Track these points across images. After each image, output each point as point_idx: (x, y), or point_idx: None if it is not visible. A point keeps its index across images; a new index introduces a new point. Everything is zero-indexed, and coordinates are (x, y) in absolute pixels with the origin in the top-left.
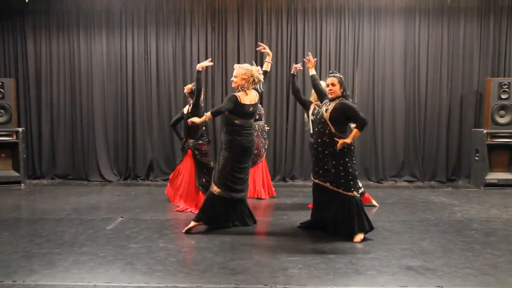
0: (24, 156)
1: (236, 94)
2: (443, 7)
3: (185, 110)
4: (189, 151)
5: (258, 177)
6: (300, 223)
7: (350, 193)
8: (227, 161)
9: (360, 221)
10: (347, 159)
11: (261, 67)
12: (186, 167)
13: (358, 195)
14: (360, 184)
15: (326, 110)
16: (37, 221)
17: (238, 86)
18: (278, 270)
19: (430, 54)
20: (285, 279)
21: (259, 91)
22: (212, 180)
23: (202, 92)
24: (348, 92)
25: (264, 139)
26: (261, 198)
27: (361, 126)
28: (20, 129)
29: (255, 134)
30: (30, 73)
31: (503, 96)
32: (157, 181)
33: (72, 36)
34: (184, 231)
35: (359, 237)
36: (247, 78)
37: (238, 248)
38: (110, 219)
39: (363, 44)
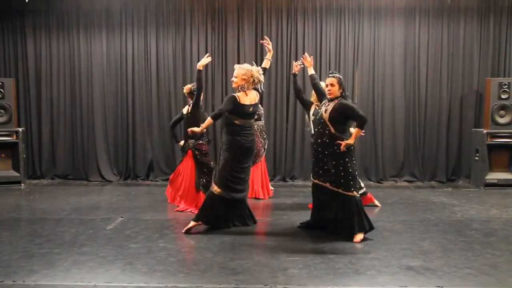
0: (24, 156)
1: (235, 94)
2: (443, 7)
3: (185, 110)
4: (189, 151)
5: (257, 177)
6: (300, 223)
7: (350, 193)
8: (227, 161)
9: (360, 221)
10: (347, 159)
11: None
12: (186, 167)
13: (358, 195)
14: (362, 184)
15: (325, 110)
16: (37, 221)
17: (238, 86)
18: (278, 270)
19: (430, 54)
20: (285, 279)
21: (260, 91)
22: (212, 180)
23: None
24: (347, 93)
25: (264, 139)
26: (259, 198)
27: (361, 124)
28: (20, 129)
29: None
30: (30, 73)
31: (503, 96)
32: (157, 181)
33: (72, 36)
34: (183, 231)
35: (359, 237)
36: (247, 79)
37: (238, 248)
38: (110, 219)
39: (363, 44)
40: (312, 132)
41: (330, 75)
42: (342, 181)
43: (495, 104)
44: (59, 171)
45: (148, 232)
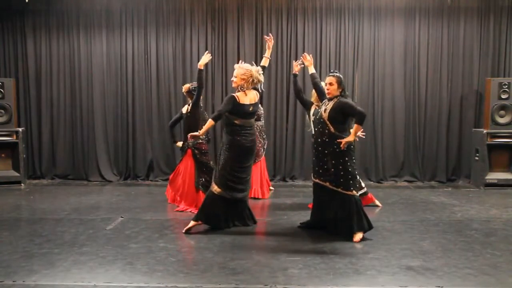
0: (24, 156)
1: (235, 94)
2: (443, 7)
3: (184, 110)
4: (189, 151)
5: (256, 177)
6: (300, 223)
7: (349, 192)
8: (227, 161)
9: (359, 220)
10: (346, 158)
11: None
12: (186, 167)
13: (358, 195)
14: (363, 184)
15: (325, 110)
16: (37, 221)
17: (237, 86)
18: (278, 270)
19: (430, 54)
20: (285, 279)
21: (260, 91)
22: (212, 180)
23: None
24: (347, 92)
25: (263, 139)
26: (258, 198)
27: (359, 120)
28: (20, 129)
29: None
30: (30, 73)
31: (503, 96)
32: (157, 181)
33: (72, 36)
34: (184, 231)
35: (358, 236)
36: (246, 79)
37: (238, 248)
38: (110, 219)
39: (363, 44)
40: (313, 132)
41: (330, 74)
42: (341, 180)
43: (495, 104)
44: (59, 171)
45: (148, 232)
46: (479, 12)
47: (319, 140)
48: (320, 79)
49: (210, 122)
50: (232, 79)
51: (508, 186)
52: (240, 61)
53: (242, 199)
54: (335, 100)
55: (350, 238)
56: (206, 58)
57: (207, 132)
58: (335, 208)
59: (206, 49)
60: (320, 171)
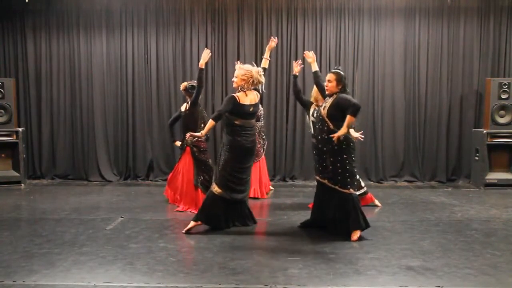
0: (24, 156)
1: (235, 94)
2: (443, 7)
3: (183, 108)
4: (188, 149)
5: (255, 177)
6: (300, 223)
7: (346, 190)
8: (227, 162)
9: (355, 218)
10: (345, 156)
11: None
12: (184, 165)
13: (355, 193)
14: (363, 184)
15: (324, 107)
16: (37, 221)
17: (238, 86)
18: (278, 270)
19: (430, 54)
20: (285, 279)
21: (260, 92)
22: (212, 180)
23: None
24: (348, 90)
25: (263, 139)
26: (257, 198)
27: (353, 111)
28: (20, 129)
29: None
30: (30, 73)
31: (503, 96)
32: (157, 181)
33: (72, 36)
34: (184, 231)
35: (356, 235)
36: (246, 79)
37: (238, 248)
38: (110, 219)
39: (363, 44)
40: (312, 132)
41: (331, 70)
42: (339, 178)
43: (495, 104)
44: (59, 171)
45: (148, 232)
46: (479, 12)
47: (319, 137)
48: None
49: (211, 123)
50: (232, 79)
51: (508, 186)
52: (238, 61)
53: (242, 200)
54: (335, 96)
55: (348, 237)
56: (206, 55)
57: None
58: (333, 206)
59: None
60: (320, 168)
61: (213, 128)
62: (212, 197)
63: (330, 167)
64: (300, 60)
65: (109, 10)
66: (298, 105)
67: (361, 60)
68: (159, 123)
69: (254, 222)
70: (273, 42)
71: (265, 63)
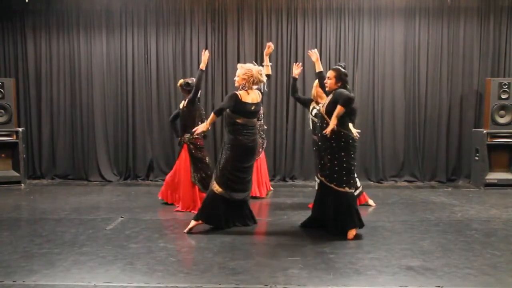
0: (24, 156)
1: (237, 92)
2: (443, 7)
3: (181, 105)
4: (185, 146)
5: (254, 176)
6: (301, 223)
7: (341, 189)
8: (228, 160)
9: (350, 217)
10: (343, 154)
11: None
12: (181, 162)
13: (351, 191)
14: (359, 184)
15: (323, 105)
16: (37, 221)
17: (239, 85)
18: (278, 270)
19: (430, 54)
20: (285, 279)
21: (262, 91)
22: (210, 177)
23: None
24: (348, 87)
25: (262, 138)
26: (256, 197)
27: (343, 101)
28: (20, 129)
29: None
30: (30, 73)
31: (503, 96)
32: (157, 181)
33: (72, 36)
34: (185, 231)
35: (352, 233)
36: (247, 78)
37: (238, 248)
38: (110, 219)
39: (363, 44)
40: (310, 128)
41: (332, 67)
42: (335, 176)
43: (495, 104)
44: (59, 171)
45: (148, 232)
46: (479, 12)
47: (320, 135)
48: None
49: (212, 116)
50: (234, 78)
51: (508, 186)
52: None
53: (243, 200)
54: (333, 93)
55: (344, 236)
56: (206, 58)
57: None
58: (330, 205)
59: (206, 49)
60: (319, 166)
61: (213, 127)
62: (212, 196)
63: (328, 164)
64: (300, 63)
65: (109, 10)
66: (298, 105)
67: (361, 60)
68: (159, 123)
69: (254, 222)
70: (269, 48)
71: (267, 70)
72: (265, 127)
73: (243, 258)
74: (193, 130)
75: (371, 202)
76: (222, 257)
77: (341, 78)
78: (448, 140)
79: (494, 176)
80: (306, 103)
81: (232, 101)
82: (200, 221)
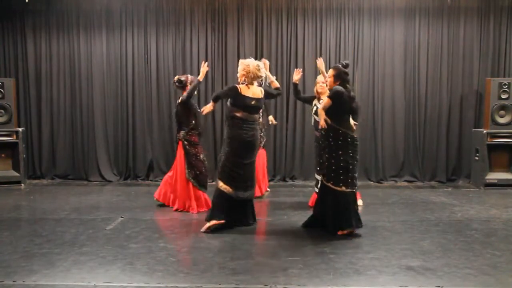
0: (24, 156)
1: (237, 85)
2: (443, 7)
3: (179, 101)
4: (180, 143)
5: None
6: (302, 223)
7: (338, 188)
8: (228, 157)
9: (347, 217)
10: (340, 152)
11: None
12: (177, 160)
13: (350, 191)
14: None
15: (322, 102)
16: (37, 221)
17: (240, 81)
18: (278, 270)
19: (430, 54)
20: (285, 279)
21: (263, 86)
22: (204, 174)
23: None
24: (349, 86)
25: (261, 136)
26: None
27: (330, 94)
28: (20, 129)
29: None
30: (30, 73)
31: (503, 96)
32: (157, 181)
33: (72, 36)
34: (202, 230)
35: (343, 232)
36: (245, 74)
37: (238, 248)
38: (110, 219)
39: (363, 44)
40: (313, 124)
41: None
42: (332, 175)
43: (495, 104)
44: (59, 171)
45: (148, 232)
46: (479, 12)
47: (320, 133)
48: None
49: (211, 103)
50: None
51: (508, 186)
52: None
53: (248, 199)
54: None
55: (343, 235)
56: (205, 70)
57: (198, 125)
58: (330, 204)
59: (206, 49)
60: (319, 164)
61: (213, 127)
62: (219, 194)
63: (326, 163)
64: (301, 69)
65: (109, 10)
66: (298, 105)
67: (361, 60)
68: (159, 123)
69: (254, 220)
70: (265, 64)
71: (273, 84)
72: (274, 123)
73: (243, 258)
74: (201, 110)
75: (360, 202)
76: (222, 257)
77: (339, 76)
78: (448, 140)
79: (494, 176)
80: (309, 100)
81: (230, 92)
82: (215, 221)
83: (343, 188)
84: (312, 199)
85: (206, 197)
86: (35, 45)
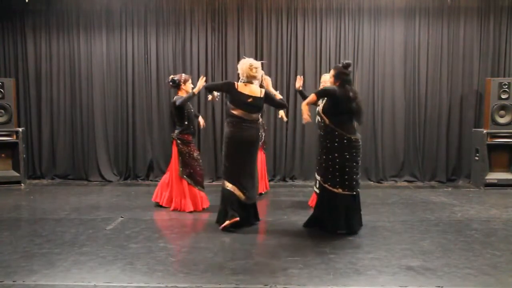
0: (24, 156)
1: (235, 82)
2: (443, 7)
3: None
4: (174, 142)
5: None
6: (304, 224)
7: (334, 189)
8: (227, 156)
9: (335, 219)
10: (336, 154)
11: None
12: (172, 159)
13: (346, 193)
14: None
15: (321, 104)
16: (37, 221)
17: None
18: (278, 270)
19: (430, 54)
20: (285, 279)
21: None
22: (199, 173)
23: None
24: (347, 86)
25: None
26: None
27: (318, 91)
28: (20, 129)
29: None
30: (30, 73)
31: (503, 96)
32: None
33: (72, 36)
34: (221, 228)
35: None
36: (241, 72)
37: (238, 248)
38: (110, 219)
39: (363, 44)
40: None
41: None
42: (329, 176)
43: (495, 104)
44: (59, 171)
45: (148, 232)
46: (479, 12)
47: (319, 133)
48: (320, 79)
49: (202, 86)
50: None
51: (508, 186)
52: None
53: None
54: None
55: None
56: (201, 83)
57: (192, 124)
58: (327, 205)
59: (206, 49)
60: (317, 165)
61: (213, 127)
62: (226, 194)
63: (323, 164)
64: (302, 76)
65: (109, 10)
66: (298, 105)
67: (361, 60)
68: (159, 123)
69: (257, 219)
70: (265, 80)
71: (277, 96)
72: (285, 119)
73: (243, 258)
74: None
75: None
76: (222, 257)
77: (338, 76)
78: (448, 140)
79: (494, 176)
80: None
81: (225, 86)
82: (227, 221)
83: (340, 190)
84: (312, 198)
85: (203, 195)
86: (35, 45)
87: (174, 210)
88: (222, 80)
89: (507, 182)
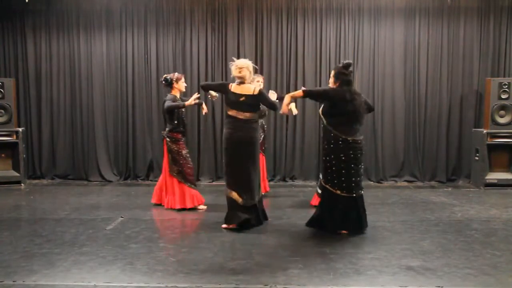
0: (24, 156)
1: (230, 83)
2: (443, 7)
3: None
4: (164, 140)
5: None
6: (306, 223)
7: (333, 190)
8: (227, 164)
9: (330, 219)
10: (332, 156)
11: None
12: (164, 158)
13: (346, 195)
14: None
15: (321, 106)
16: (37, 221)
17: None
18: (278, 270)
19: (430, 54)
20: (285, 279)
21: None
22: (188, 171)
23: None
24: (346, 87)
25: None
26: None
27: (308, 89)
28: (20, 129)
29: None
30: (30, 73)
31: (503, 96)
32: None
33: (72, 36)
34: (222, 226)
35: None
36: (233, 73)
37: (238, 248)
38: (110, 219)
39: (363, 44)
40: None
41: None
42: (328, 177)
43: (495, 104)
44: (59, 171)
45: (148, 232)
46: (479, 12)
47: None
48: (320, 79)
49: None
50: None
51: (508, 186)
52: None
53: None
54: None
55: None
56: (192, 100)
57: (182, 124)
58: (326, 205)
59: (206, 49)
60: (321, 165)
61: (213, 127)
62: (228, 200)
63: (322, 165)
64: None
65: (109, 10)
66: (298, 105)
67: (361, 60)
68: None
69: (266, 218)
70: (272, 93)
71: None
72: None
73: (243, 258)
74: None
75: None
76: (222, 257)
77: (337, 77)
78: (448, 140)
79: (494, 176)
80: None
81: (220, 87)
82: (225, 225)
83: (338, 191)
84: (314, 198)
85: (194, 193)
86: (35, 45)
87: (168, 208)
88: (221, 80)
89: (507, 182)
